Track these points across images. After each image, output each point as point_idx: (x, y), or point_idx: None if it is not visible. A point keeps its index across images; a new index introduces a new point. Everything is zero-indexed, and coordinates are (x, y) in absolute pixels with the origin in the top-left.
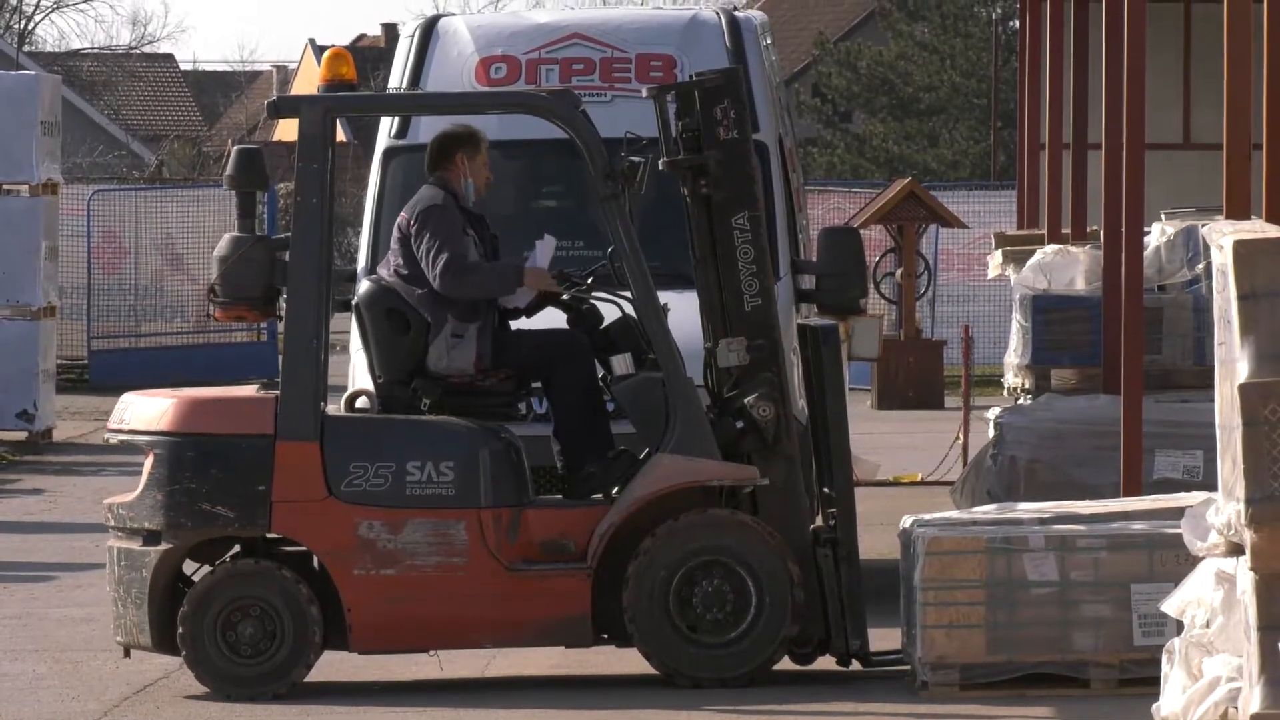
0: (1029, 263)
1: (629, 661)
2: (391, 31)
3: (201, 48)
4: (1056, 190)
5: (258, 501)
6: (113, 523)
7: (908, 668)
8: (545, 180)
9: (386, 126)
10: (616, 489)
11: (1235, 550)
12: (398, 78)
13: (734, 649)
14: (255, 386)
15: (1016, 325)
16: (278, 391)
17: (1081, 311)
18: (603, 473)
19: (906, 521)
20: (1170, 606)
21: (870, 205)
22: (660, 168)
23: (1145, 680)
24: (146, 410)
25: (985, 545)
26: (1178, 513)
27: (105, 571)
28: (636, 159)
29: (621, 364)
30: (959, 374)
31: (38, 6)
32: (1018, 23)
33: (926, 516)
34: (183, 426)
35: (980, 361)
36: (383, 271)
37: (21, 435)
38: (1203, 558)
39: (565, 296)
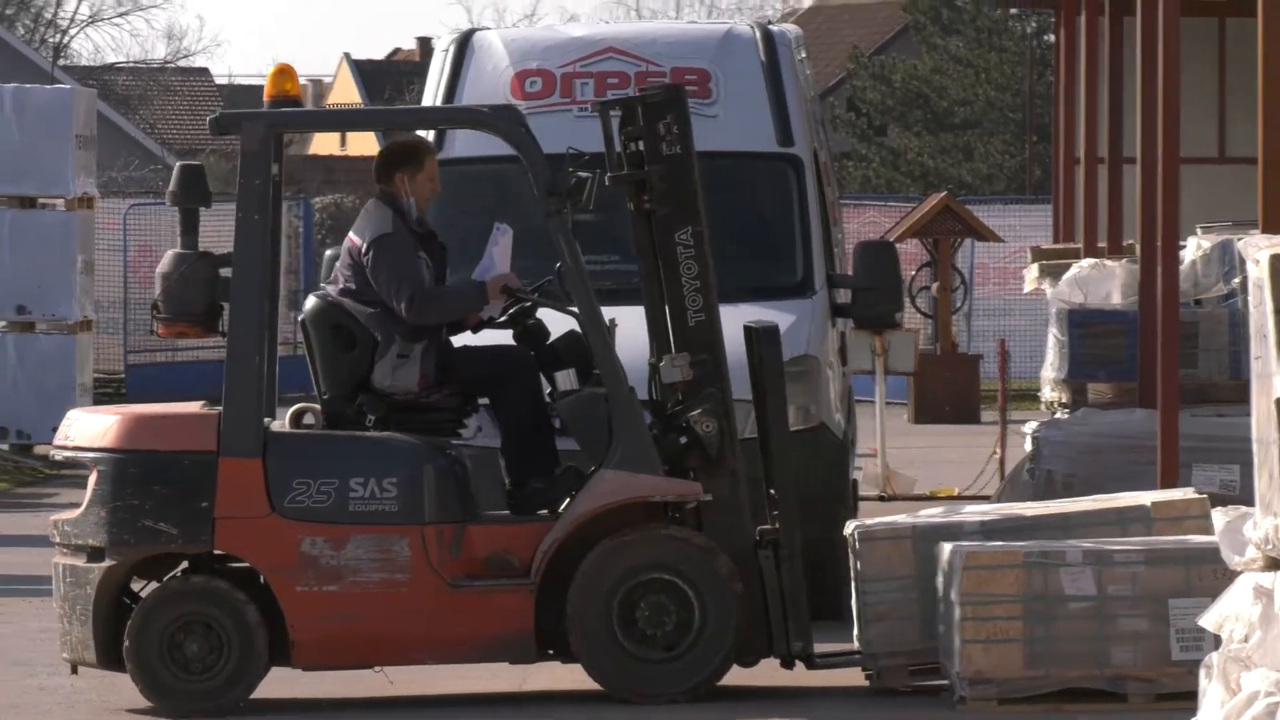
0: (1065, 277)
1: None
2: (426, 46)
3: (237, 62)
4: (1092, 204)
5: (200, 518)
6: (58, 539)
7: (864, 669)
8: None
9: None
10: (562, 505)
11: (1273, 565)
12: (432, 92)
13: (677, 665)
14: (200, 404)
15: (1053, 339)
16: (220, 408)
17: (1118, 326)
18: (548, 488)
19: (850, 527)
20: (1208, 621)
21: (906, 219)
22: (605, 183)
23: (1183, 695)
24: (90, 427)
25: (1023, 560)
26: (1117, 514)
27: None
28: (584, 174)
29: (566, 379)
30: (995, 388)
31: (73, 20)
32: (1052, 37)
33: (869, 521)
34: (125, 443)
35: (1016, 376)
36: (330, 288)
37: None
38: (1240, 572)
39: (530, 296)
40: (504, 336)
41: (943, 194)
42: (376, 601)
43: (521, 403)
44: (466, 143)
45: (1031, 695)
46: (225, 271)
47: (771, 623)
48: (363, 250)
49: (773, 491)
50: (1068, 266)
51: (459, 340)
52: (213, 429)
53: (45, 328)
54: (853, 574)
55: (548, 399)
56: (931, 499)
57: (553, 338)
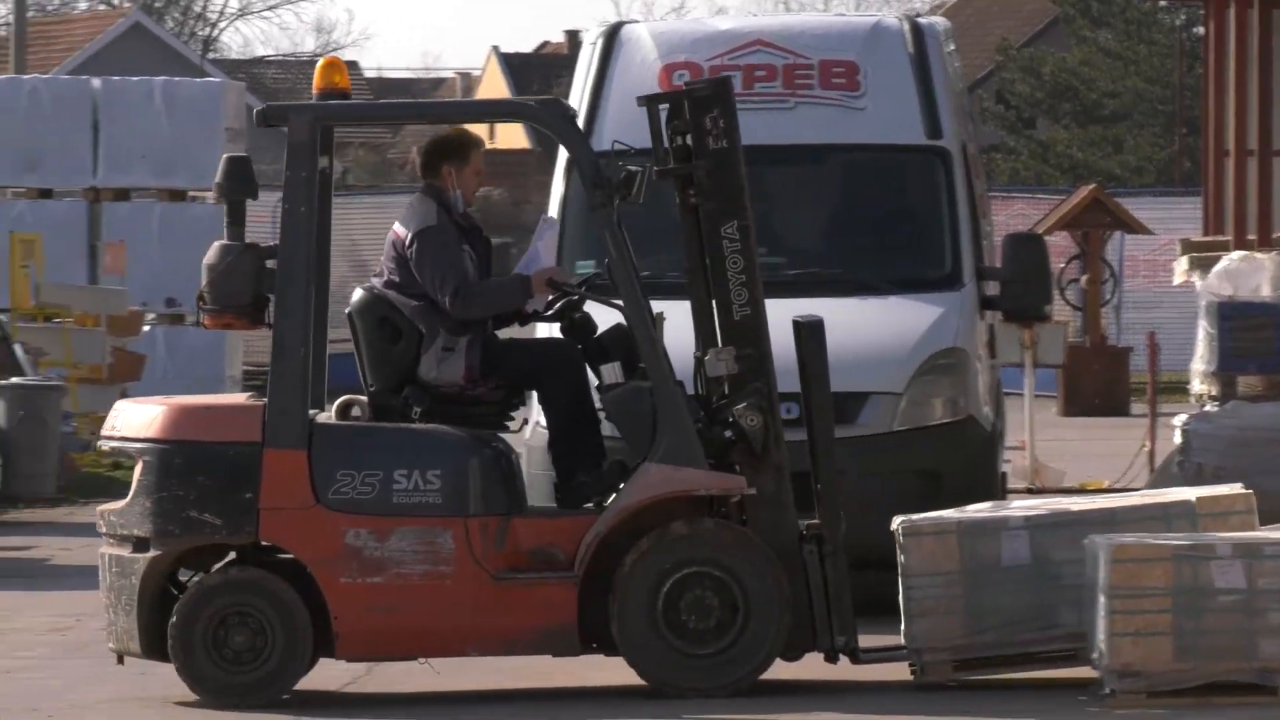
0: (1214, 269)
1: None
2: (575, 39)
3: (385, 55)
4: (1242, 196)
5: (244, 509)
6: (104, 529)
7: (909, 663)
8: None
9: None
10: (609, 498)
11: None
12: (580, 85)
13: (720, 659)
14: (247, 395)
15: (1202, 332)
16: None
17: (1267, 318)
18: (594, 482)
19: (896, 522)
20: None
21: (1054, 212)
22: (652, 177)
23: None
24: (137, 417)
25: (1172, 553)
26: (1162, 510)
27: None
28: (634, 168)
29: (611, 373)
30: (1144, 380)
31: (222, 14)
32: (1202, 29)
33: (915, 516)
34: (171, 434)
35: (1166, 368)
36: (376, 280)
37: None
38: None
39: (576, 290)
40: (553, 330)
41: (1092, 186)
42: (420, 593)
43: (567, 396)
44: (614, 135)
45: (1180, 688)
46: (272, 263)
47: (815, 617)
48: (407, 243)
49: (818, 485)
50: (1217, 259)
51: (506, 334)
52: (258, 420)
53: (195, 320)
54: (899, 569)
55: (595, 392)
56: (1080, 491)
57: (599, 331)
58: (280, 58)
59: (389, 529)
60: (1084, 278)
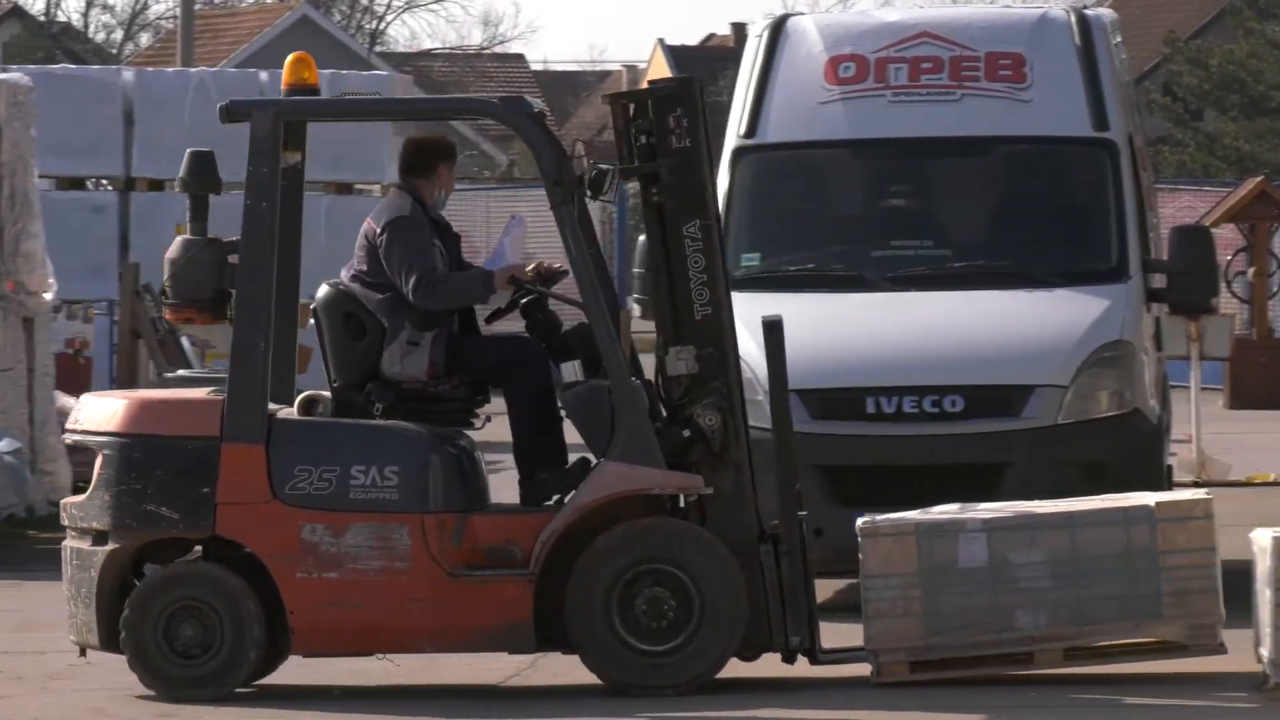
0: None
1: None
2: (741, 31)
3: (552, 48)
4: None
5: (202, 503)
6: (66, 522)
7: (867, 664)
8: (904, 179)
9: (735, 126)
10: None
11: None
12: (746, 77)
13: (675, 658)
14: (209, 390)
15: None
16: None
17: None
18: (555, 480)
19: (859, 523)
20: None
21: (1221, 204)
22: (618, 175)
23: None
24: (98, 411)
25: None
26: (1123, 514)
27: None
28: (605, 166)
29: (571, 370)
30: None
31: (389, 7)
32: None
33: (876, 517)
34: (130, 427)
35: None
36: (343, 274)
37: None
38: None
39: (537, 287)
40: (518, 327)
41: (1259, 178)
42: (375, 589)
43: (530, 393)
44: (779, 128)
45: None
46: (234, 258)
47: (770, 617)
48: (378, 232)
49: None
50: None
51: (499, 327)
52: (217, 415)
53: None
54: (859, 569)
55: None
56: (1247, 485)
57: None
58: (447, 51)
59: (345, 524)
60: (1250, 270)
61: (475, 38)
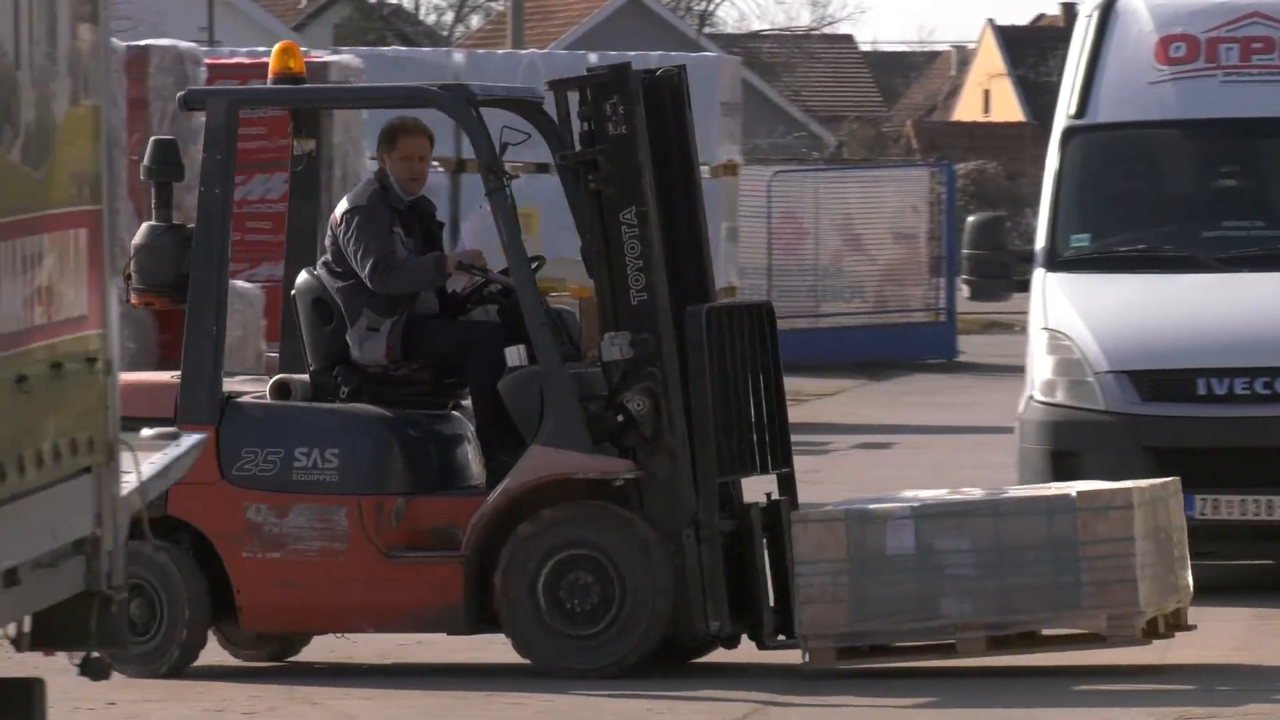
0: None
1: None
2: (1071, 11)
3: (880, 28)
4: None
5: None
6: None
7: (800, 651)
8: (1235, 159)
9: (1064, 106)
10: None
11: None
12: (1075, 57)
13: (599, 640)
14: (170, 374)
15: None
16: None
17: None
18: (513, 462)
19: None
20: None
21: None
22: (557, 163)
23: None
24: None
25: None
26: (1045, 504)
27: None
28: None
29: (515, 355)
30: None
31: None
32: None
33: (808, 506)
34: None
35: None
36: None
37: None
38: None
39: (485, 273)
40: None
41: None
42: (316, 570)
43: (486, 378)
44: (1109, 108)
45: None
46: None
47: (691, 602)
48: (338, 220)
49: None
50: None
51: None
52: (171, 397)
53: None
54: (790, 556)
55: None
56: None
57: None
58: (776, 31)
59: (288, 506)
60: None
61: (803, 18)
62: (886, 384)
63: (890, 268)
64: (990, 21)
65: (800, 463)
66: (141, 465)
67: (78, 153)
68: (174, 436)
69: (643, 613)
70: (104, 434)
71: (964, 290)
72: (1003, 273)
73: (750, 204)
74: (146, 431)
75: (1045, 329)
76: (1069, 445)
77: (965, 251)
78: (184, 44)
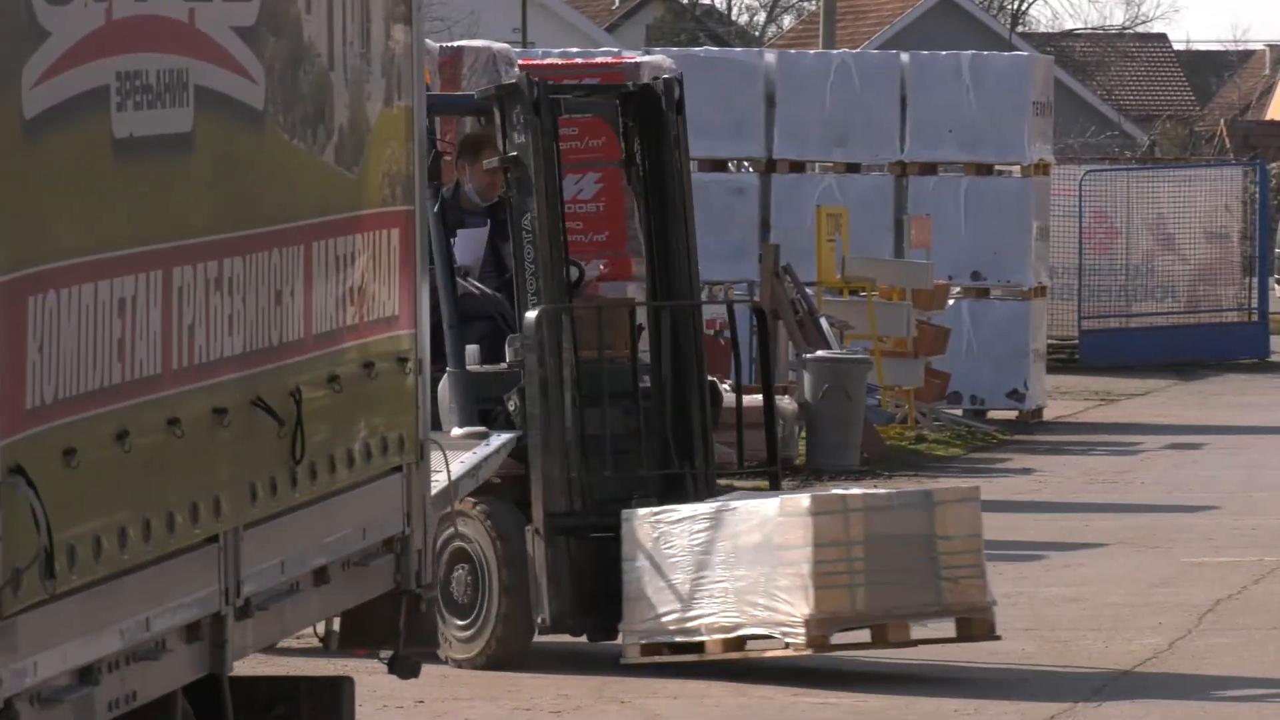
0: None
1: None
2: None
3: (1194, 27)
4: None
5: None
6: None
7: (618, 640)
8: None
9: None
10: None
11: None
12: None
13: (469, 631)
14: None
15: None
16: None
17: None
18: None
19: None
20: None
21: None
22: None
23: None
24: None
25: None
26: (901, 498)
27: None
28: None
29: (472, 355)
30: None
31: None
32: None
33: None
34: None
35: None
36: None
37: (1011, 414)
38: None
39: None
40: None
41: None
42: None
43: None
44: None
45: None
46: None
47: (530, 596)
48: None
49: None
50: None
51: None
52: None
53: (1000, 294)
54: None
55: None
56: None
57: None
58: (1089, 31)
59: None
60: None
61: (1117, 17)
62: (1197, 384)
63: (1202, 267)
64: None
65: (1111, 463)
66: (451, 464)
67: (390, 153)
68: (483, 436)
69: (501, 606)
70: (415, 433)
71: (1276, 290)
72: None
73: (1062, 203)
74: (456, 430)
75: None
76: None
77: (1278, 251)
78: (497, 45)
